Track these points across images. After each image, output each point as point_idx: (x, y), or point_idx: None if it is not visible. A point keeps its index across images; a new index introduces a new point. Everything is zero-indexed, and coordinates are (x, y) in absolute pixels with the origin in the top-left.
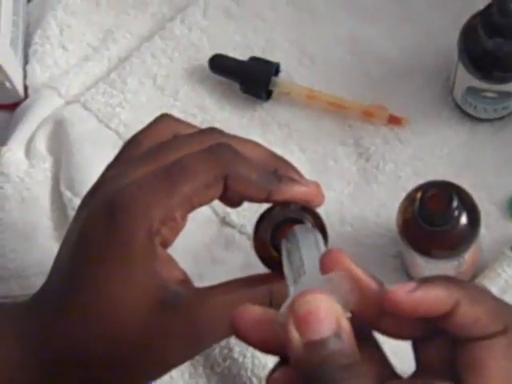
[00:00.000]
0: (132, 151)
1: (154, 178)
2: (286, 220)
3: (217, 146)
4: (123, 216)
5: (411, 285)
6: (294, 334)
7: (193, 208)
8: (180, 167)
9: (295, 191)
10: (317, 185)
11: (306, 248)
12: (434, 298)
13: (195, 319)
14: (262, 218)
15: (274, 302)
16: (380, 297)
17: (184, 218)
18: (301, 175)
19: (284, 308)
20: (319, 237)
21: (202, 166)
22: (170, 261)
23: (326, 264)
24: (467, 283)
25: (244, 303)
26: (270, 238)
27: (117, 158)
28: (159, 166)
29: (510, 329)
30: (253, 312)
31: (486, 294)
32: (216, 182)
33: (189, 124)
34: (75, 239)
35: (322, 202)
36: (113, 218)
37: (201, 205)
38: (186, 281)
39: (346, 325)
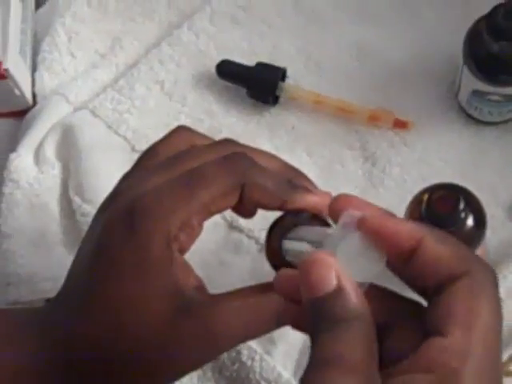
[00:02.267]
0: (149, 161)
1: (173, 185)
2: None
3: (234, 155)
4: (142, 222)
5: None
6: (303, 293)
7: (210, 215)
8: (198, 175)
9: (308, 201)
10: (329, 195)
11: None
12: (404, 228)
13: (210, 325)
14: (274, 226)
15: None
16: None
17: (201, 225)
18: (314, 185)
19: None
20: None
21: (220, 174)
22: (187, 267)
23: (335, 207)
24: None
25: (257, 310)
26: (281, 246)
27: (134, 168)
28: (177, 173)
29: (474, 271)
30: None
31: (450, 237)
32: (233, 190)
33: (205, 135)
34: (95, 244)
35: None
36: (132, 223)
37: (218, 212)
38: (201, 287)
39: (346, 281)
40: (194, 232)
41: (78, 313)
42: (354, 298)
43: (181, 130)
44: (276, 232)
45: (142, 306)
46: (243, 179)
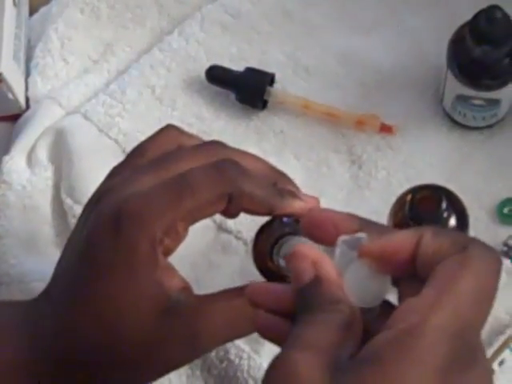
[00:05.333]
0: (137, 159)
1: (161, 190)
2: (284, 235)
3: (222, 163)
4: (128, 225)
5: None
6: (293, 283)
7: (195, 221)
8: (186, 183)
9: (295, 207)
10: (315, 199)
11: None
12: (401, 242)
13: (196, 325)
14: (262, 232)
15: None
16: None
17: (186, 230)
18: (297, 188)
19: None
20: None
21: (207, 183)
22: (171, 269)
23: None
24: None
25: (242, 310)
26: (269, 250)
27: (121, 165)
28: (165, 177)
29: (470, 248)
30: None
31: (447, 229)
32: (220, 199)
33: (193, 135)
34: (81, 244)
35: None
36: (118, 226)
37: (203, 218)
38: (186, 288)
39: (325, 268)
40: (178, 236)
41: (64, 311)
42: (331, 287)
43: (169, 129)
44: (264, 238)
45: (128, 309)
46: (231, 188)
